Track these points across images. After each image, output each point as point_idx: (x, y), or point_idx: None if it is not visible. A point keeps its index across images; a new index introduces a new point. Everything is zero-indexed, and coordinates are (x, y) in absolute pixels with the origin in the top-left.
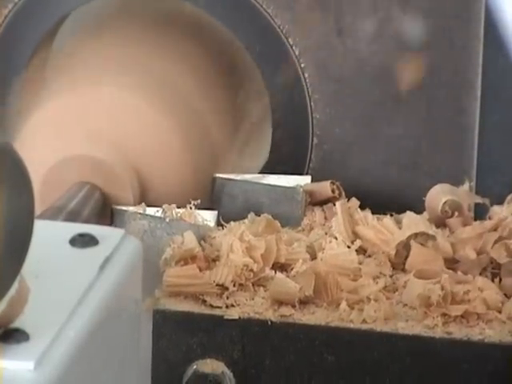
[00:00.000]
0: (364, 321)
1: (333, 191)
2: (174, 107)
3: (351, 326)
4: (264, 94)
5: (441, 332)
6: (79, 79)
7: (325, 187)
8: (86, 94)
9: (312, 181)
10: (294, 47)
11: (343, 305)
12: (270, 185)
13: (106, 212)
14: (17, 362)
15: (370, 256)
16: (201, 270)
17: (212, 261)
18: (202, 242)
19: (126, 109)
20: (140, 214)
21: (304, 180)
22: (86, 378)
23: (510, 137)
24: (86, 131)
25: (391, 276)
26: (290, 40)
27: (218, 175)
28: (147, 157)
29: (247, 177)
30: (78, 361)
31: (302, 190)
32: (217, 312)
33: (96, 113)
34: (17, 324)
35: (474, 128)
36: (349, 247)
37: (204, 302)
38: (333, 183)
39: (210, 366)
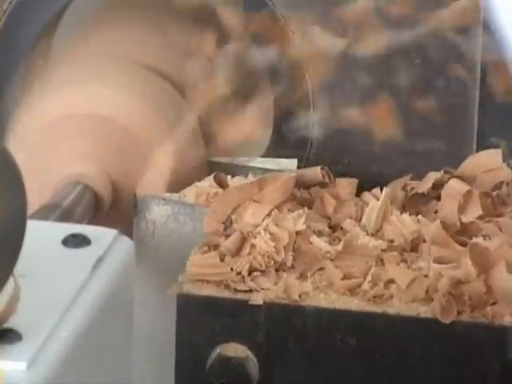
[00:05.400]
0: (386, 304)
1: (323, 177)
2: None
3: (373, 309)
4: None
5: (463, 316)
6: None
7: (315, 172)
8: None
9: (308, 166)
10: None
11: (365, 289)
12: (258, 168)
13: (99, 211)
14: (10, 363)
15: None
16: (222, 258)
17: (236, 249)
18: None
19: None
20: (163, 199)
21: (291, 163)
22: (79, 378)
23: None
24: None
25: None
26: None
27: None
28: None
29: (239, 160)
30: (71, 361)
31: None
32: (240, 296)
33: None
34: (10, 324)
35: (474, 112)
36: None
37: (227, 286)
38: (322, 169)
39: (234, 349)
